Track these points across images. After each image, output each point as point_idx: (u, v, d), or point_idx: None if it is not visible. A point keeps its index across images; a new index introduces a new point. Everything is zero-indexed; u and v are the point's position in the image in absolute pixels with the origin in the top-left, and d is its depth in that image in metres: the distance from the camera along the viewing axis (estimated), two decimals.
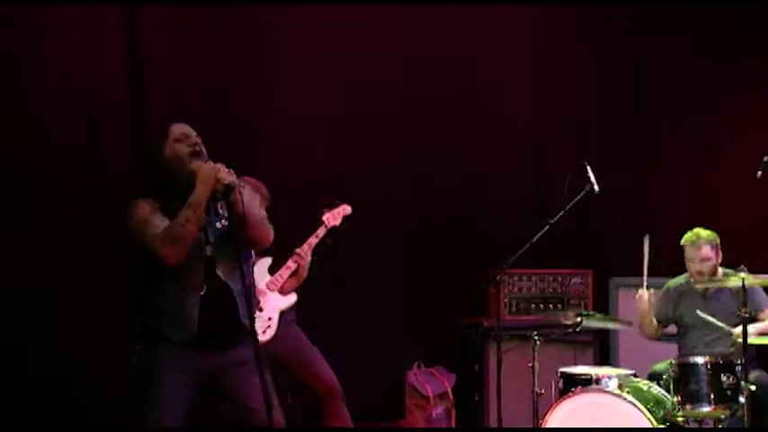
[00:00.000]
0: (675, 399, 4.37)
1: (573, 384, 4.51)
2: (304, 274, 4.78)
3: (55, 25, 5.21)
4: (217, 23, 5.59)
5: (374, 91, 6.00)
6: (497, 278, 4.92)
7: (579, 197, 4.72)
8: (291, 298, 4.81)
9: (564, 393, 4.48)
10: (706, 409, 4.33)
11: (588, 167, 4.72)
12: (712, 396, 4.32)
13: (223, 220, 3.30)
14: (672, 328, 5.21)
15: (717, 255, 4.91)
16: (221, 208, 3.28)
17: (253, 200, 3.47)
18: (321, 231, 4.91)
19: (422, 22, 6.14)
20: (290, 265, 4.82)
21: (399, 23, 6.09)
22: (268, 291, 4.74)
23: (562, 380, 4.59)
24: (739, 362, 4.31)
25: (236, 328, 3.28)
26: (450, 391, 5.91)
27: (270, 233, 3.45)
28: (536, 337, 4.70)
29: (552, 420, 4.40)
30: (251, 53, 5.78)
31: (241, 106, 5.71)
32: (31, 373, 5.00)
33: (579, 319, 4.82)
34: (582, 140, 6.44)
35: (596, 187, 4.73)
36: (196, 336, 3.21)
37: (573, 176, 4.71)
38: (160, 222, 3.21)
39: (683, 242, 4.97)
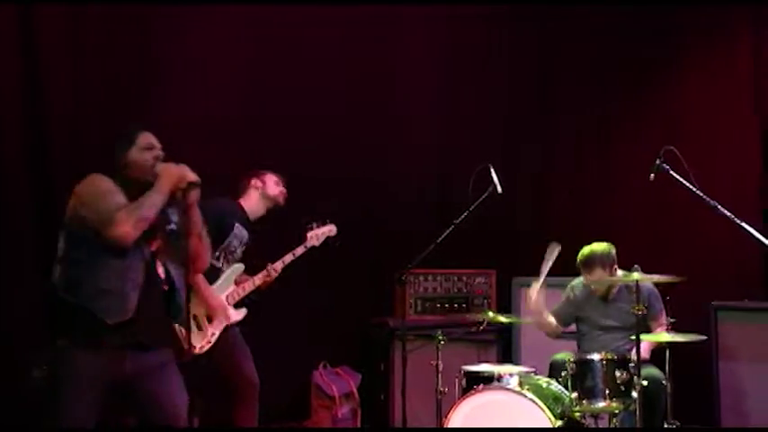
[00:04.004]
0: (573, 395, 4.49)
1: (475, 382, 4.57)
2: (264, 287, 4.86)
3: None
4: (118, 22, 5.45)
5: (274, 92, 5.96)
6: (403, 278, 4.96)
7: (482, 198, 4.79)
8: (241, 313, 4.77)
9: (466, 391, 4.54)
10: (601, 404, 4.46)
11: (492, 169, 4.80)
12: (607, 391, 4.45)
13: (173, 225, 3.38)
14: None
15: (611, 272, 5.00)
16: (172, 214, 3.39)
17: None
18: (299, 251, 4.94)
19: (331, 22, 6.13)
20: (257, 281, 4.81)
21: (311, 23, 6.06)
22: (225, 303, 4.70)
23: (465, 378, 4.65)
24: (632, 358, 4.46)
25: (163, 329, 3.33)
26: (355, 390, 5.94)
27: (208, 253, 3.53)
28: (440, 337, 4.75)
29: (455, 418, 4.45)
30: (155, 53, 5.66)
31: (144, 106, 5.59)
32: None
33: (482, 318, 4.91)
34: (486, 142, 6.54)
35: (499, 188, 4.81)
36: (126, 323, 3.20)
37: (477, 177, 4.78)
38: (123, 199, 3.26)
39: (578, 262, 5.06)
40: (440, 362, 4.68)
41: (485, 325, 5.02)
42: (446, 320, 5.76)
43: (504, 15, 6.71)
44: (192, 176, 3.33)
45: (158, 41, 5.66)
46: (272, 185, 4.98)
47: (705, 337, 4.87)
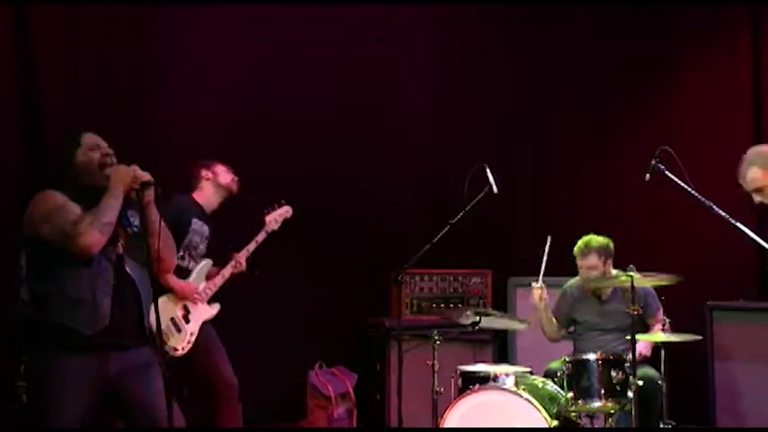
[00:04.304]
0: (569, 395, 4.50)
1: (471, 382, 4.57)
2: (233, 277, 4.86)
3: None
4: (117, 22, 5.48)
5: (273, 91, 5.98)
6: (399, 278, 4.95)
7: (478, 198, 4.79)
8: (215, 308, 4.78)
9: (462, 391, 4.54)
10: (597, 404, 4.47)
11: (487, 169, 4.80)
12: (603, 391, 4.45)
13: (134, 228, 3.35)
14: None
15: (605, 263, 5.03)
16: (132, 216, 3.35)
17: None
18: (261, 237, 4.93)
19: (331, 22, 6.14)
20: (226, 273, 4.80)
21: (311, 23, 6.07)
22: (199, 301, 4.70)
23: (461, 378, 4.65)
24: (628, 358, 4.47)
25: (141, 330, 3.31)
26: (351, 390, 5.94)
27: (172, 253, 3.49)
28: (436, 337, 4.75)
29: (451, 418, 4.45)
30: (155, 53, 5.68)
31: (144, 106, 5.61)
32: None
33: (478, 318, 4.91)
34: (483, 141, 6.55)
35: (495, 188, 4.80)
36: (104, 330, 3.19)
37: (473, 177, 4.78)
38: (77, 210, 3.20)
39: (575, 248, 5.09)
40: (436, 362, 4.67)
41: (479, 325, 5.01)
42: (442, 320, 5.76)
43: (503, 15, 6.72)
44: (145, 176, 3.28)
45: (158, 41, 5.69)
46: (223, 174, 4.92)
47: (700, 337, 4.88)
